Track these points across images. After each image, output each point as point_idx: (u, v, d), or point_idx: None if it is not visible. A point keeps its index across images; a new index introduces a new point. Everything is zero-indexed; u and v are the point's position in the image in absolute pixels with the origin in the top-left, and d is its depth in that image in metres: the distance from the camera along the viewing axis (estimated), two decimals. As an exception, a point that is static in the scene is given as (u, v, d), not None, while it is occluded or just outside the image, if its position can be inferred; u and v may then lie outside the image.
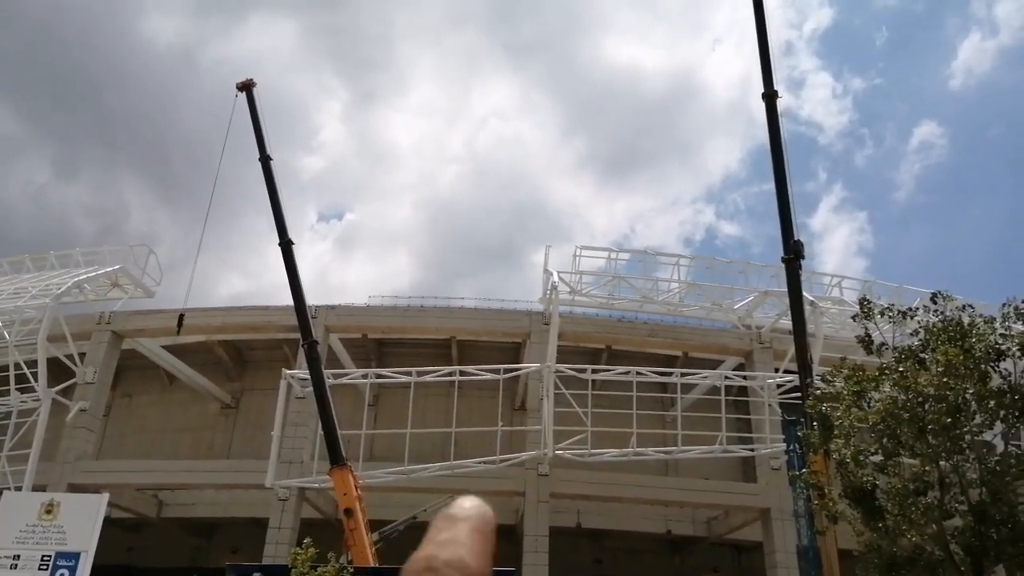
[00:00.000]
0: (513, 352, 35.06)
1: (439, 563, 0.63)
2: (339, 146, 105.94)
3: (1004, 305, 14.83)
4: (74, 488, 27.94)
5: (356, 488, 23.41)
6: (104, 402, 33.82)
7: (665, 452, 29.43)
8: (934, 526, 13.94)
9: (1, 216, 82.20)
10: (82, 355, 32.15)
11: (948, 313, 14.89)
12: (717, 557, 37.61)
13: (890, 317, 16.10)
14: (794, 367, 24.98)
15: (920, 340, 14.90)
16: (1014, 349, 13.86)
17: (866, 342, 15.99)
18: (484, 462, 27.62)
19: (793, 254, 23.66)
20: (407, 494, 29.86)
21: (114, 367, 33.97)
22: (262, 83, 28.70)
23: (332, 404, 24.95)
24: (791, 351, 26.13)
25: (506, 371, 28.62)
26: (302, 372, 27.09)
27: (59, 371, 31.01)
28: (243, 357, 39.21)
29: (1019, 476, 13.68)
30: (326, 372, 26.08)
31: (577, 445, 27.34)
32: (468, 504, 0.75)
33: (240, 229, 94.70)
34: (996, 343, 14.01)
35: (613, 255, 34.93)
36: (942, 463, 13.91)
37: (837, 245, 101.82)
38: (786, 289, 24.90)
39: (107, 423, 35.76)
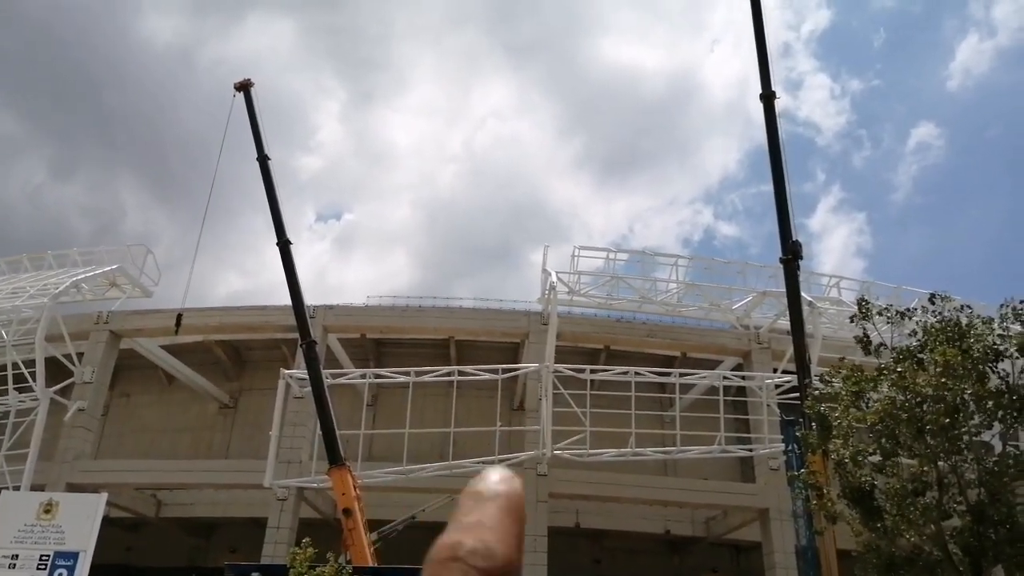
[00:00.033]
0: (511, 352, 35.06)
1: (464, 552, 0.58)
2: (337, 146, 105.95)
3: (1002, 306, 14.86)
4: (72, 488, 27.93)
5: (355, 488, 23.41)
6: (102, 402, 33.80)
7: (664, 452, 29.45)
8: (932, 526, 13.95)
9: (0, 216, 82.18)
10: (80, 355, 32.14)
11: (946, 314, 14.91)
12: (716, 557, 37.63)
13: (888, 318, 16.12)
14: (792, 367, 25.00)
15: (918, 341, 14.91)
16: (1012, 350, 13.89)
17: (864, 342, 16.02)
18: (483, 462, 27.59)
19: (791, 254, 23.67)
20: (406, 494, 29.87)
21: (112, 367, 33.96)
22: (260, 83, 28.71)
23: (331, 404, 24.94)
24: (789, 351, 26.15)
25: (504, 371, 28.63)
26: (300, 372, 27.08)
27: (57, 371, 31.00)
28: (241, 357, 39.21)
29: (1017, 476, 13.70)
30: (324, 372, 26.08)
31: (576, 445, 27.35)
32: (497, 478, 0.69)
33: (238, 229, 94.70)
34: (994, 344, 14.04)
35: (611, 255, 34.97)
36: (940, 463, 13.93)
37: (835, 246, 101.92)
38: (784, 289, 24.92)
39: (105, 423, 35.74)
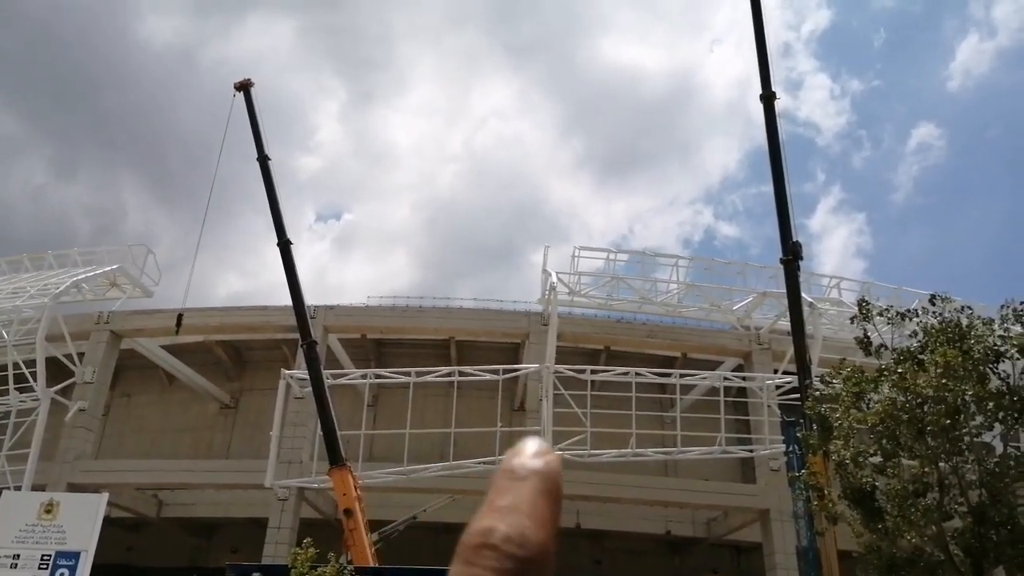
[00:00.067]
0: (512, 353, 35.06)
1: (497, 539, 0.56)
2: (337, 146, 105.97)
3: (1003, 307, 14.84)
4: (73, 488, 27.94)
5: (355, 488, 23.42)
6: (103, 402, 33.82)
7: (664, 453, 29.44)
8: (933, 527, 13.95)
9: (1, 216, 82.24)
10: (81, 355, 32.15)
11: (947, 314, 14.90)
12: (716, 558, 37.63)
13: (889, 318, 16.12)
14: (793, 368, 24.99)
15: (919, 341, 14.90)
16: (1013, 351, 13.88)
17: (865, 343, 16.02)
18: (483, 463, 27.59)
19: (792, 255, 23.67)
20: (406, 494, 29.88)
21: (113, 367, 33.98)
22: (260, 83, 28.73)
23: (331, 404, 24.96)
24: (790, 352, 26.14)
25: (505, 372, 28.63)
26: (301, 372, 27.09)
27: (58, 371, 31.02)
28: (242, 357, 39.22)
29: (1018, 478, 13.69)
30: (325, 372, 26.10)
31: (576, 446, 27.34)
32: (532, 453, 0.64)
33: (238, 229, 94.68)
34: (995, 344, 14.02)
35: (612, 256, 34.97)
36: (941, 464, 13.92)
37: (835, 246, 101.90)
38: (785, 290, 24.91)
39: (106, 423, 35.76)
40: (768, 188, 24.66)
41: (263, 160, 27.13)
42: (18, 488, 26.46)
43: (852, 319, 17.07)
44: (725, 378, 30.20)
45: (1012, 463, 13.70)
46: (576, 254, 33.33)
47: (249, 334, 36.23)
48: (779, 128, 24.70)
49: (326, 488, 26.14)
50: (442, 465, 27.24)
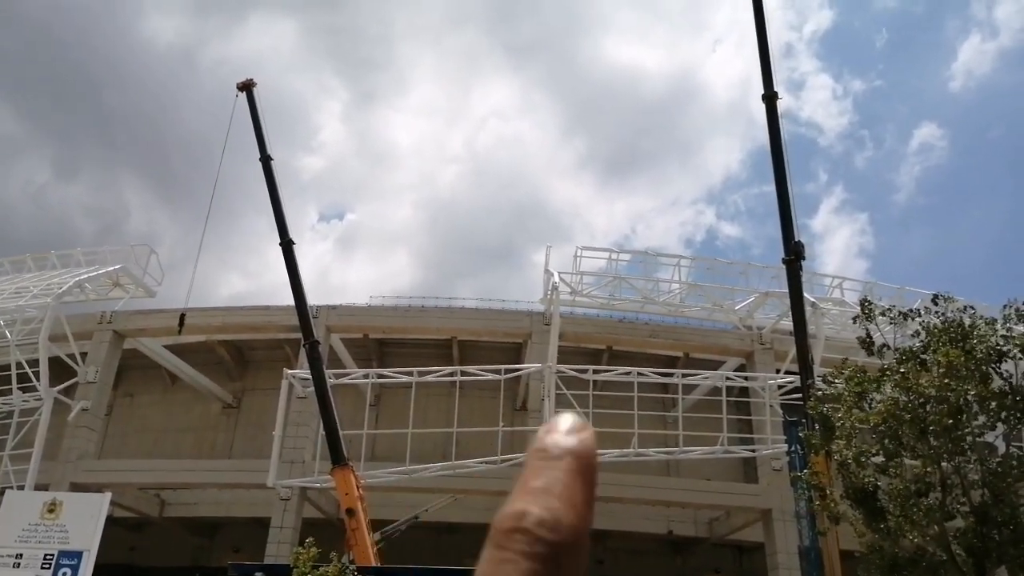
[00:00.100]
0: (514, 352, 35.08)
1: (530, 523, 0.53)
2: (339, 146, 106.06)
3: (1005, 306, 14.84)
4: (76, 487, 27.99)
5: (358, 488, 23.44)
6: (106, 401, 33.88)
7: (666, 453, 29.44)
8: (936, 527, 13.94)
9: (1, 216, 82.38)
10: (84, 355, 32.21)
11: (949, 314, 14.89)
12: (719, 558, 37.61)
13: (891, 318, 16.11)
14: (795, 368, 24.98)
15: (921, 341, 14.89)
16: (1015, 350, 13.86)
17: (867, 343, 16.00)
18: (485, 462, 27.62)
19: (794, 255, 23.66)
20: (408, 494, 29.89)
21: (116, 367, 34.02)
22: (262, 83, 28.78)
23: (333, 404, 24.98)
24: (792, 352, 26.13)
25: (507, 371, 28.64)
26: (303, 372, 27.12)
27: (61, 371, 31.06)
28: (244, 357, 39.25)
29: (1021, 477, 13.68)
30: (327, 372, 26.11)
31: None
32: (566, 429, 0.61)
33: (240, 229, 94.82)
34: (997, 344, 14.01)
35: (614, 256, 35.00)
36: (944, 464, 13.91)
37: (838, 246, 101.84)
38: (787, 290, 24.91)
39: (109, 422, 35.81)
40: (770, 188, 24.67)
41: (265, 160, 27.16)
42: (21, 488, 26.51)
43: (854, 319, 17.06)
44: (727, 378, 30.19)
45: (1014, 463, 13.69)
46: (578, 254, 33.37)
47: (251, 334, 36.27)
48: (781, 128, 24.71)
49: (328, 488, 26.16)
50: (444, 465, 27.25)
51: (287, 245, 26.37)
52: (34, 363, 29.37)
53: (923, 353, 14.53)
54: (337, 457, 23.88)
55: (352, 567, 20.46)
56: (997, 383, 13.92)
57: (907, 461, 14.58)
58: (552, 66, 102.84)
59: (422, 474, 27.06)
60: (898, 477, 14.45)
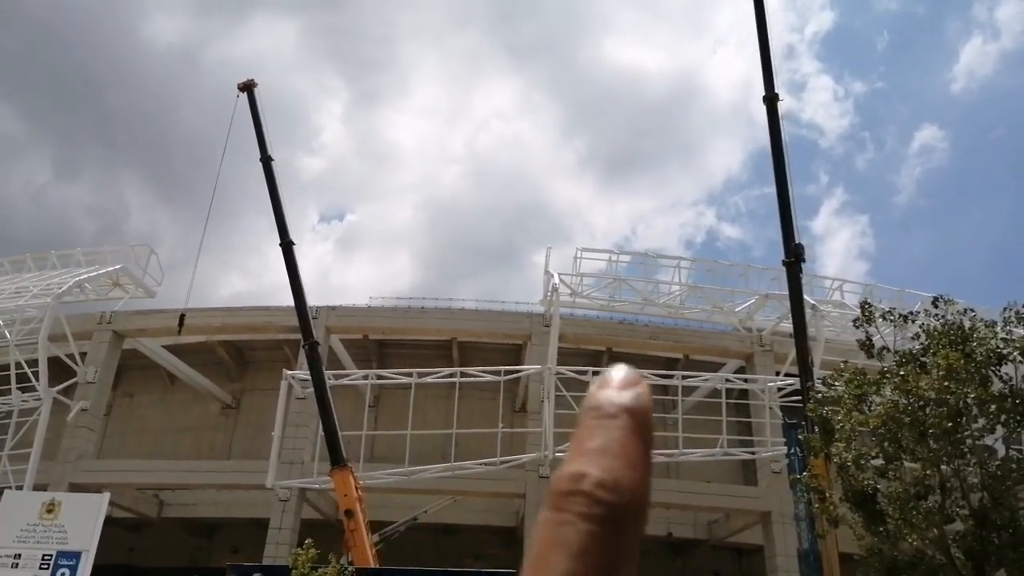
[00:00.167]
0: (514, 354, 35.06)
1: (589, 484, 0.52)
2: (340, 147, 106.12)
3: (1005, 309, 14.84)
4: (75, 487, 27.96)
5: (357, 489, 23.41)
6: (105, 402, 33.86)
7: (666, 455, 29.39)
8: (935, 530, 13.92)
9: (2, 215, 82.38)
10: (83, 355, 32.19)
11: (949, 317, 14.88)
12: (718, 560, 37.58)
13: (891, 321, 16.09)
14: (795, 370, 24.96)
15: (921, 344, 14.88)
16: (1015, 353, 13.85)
17: (867, 346, 15.99)
18: (485, 464, 27.61)
19: (794, 257, 23.64)
20: (407, 495, 29.86)
21: (115, 367, 34.00)
22: (263, 83, 28.77)
23: (333, 405, 24.95)
24: (792, 354, 26.12)
25: (507, 373, 28.62)
26: (303, 373, 27.10)
27: (60, 371, 31.05)
28: (244, 357, 39.24)
29: (1020, 480, 13.66)
30: (327, 373, 26.09)
31: (578, 447, 27.30)
32: (619, 383, 0.58)
33: (241, 229, 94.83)
34: (997, 347, 14.00)
35: (614, 257, 34.99)
36: (943, 467, 13.90)
37: (838, 248, 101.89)
38: (787, 292, 24.89)
39: (108, 423, 35.78)
40: (771, 190, 24.67)
41: (266, 161, 27.15)
42: (20, 488, 26.49)
43: (854, 321, 17.05)
44: (727, 380, 30.17)
45: (1014, 466, 13.67)
46: (578, 255, 33.36)
47: (251, 334, 36.25)
48: (782, 130, 24.69)
49: (327, 489, 26.13)
50: (443, 466, 27.23)
51: (287, 246, 26.36)
52: (33, 363, 29.36)
53: (923, 356, 14.52)
54: (336, 458, 23.86)
55: (351, 568, 20.44)
56: (997, 386, 13.90)
57: (907, 464, 14.57)
58: (553, 67, 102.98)
59: (421, 475, 27.04)
60: (898, 480, 14.44)
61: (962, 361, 13.57)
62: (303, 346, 26.30)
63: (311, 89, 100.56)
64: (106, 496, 21.90)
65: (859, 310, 16.82)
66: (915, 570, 14.42)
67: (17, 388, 29.47)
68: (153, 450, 37.46)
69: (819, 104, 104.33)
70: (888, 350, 15.58)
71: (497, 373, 28.32)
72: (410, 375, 27.94)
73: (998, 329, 14.44)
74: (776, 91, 24.84)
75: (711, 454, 28.27)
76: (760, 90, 25.09)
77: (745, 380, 30.68)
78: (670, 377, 29.91)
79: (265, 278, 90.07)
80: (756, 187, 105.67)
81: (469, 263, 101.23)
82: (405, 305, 36.85)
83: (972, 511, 13.65)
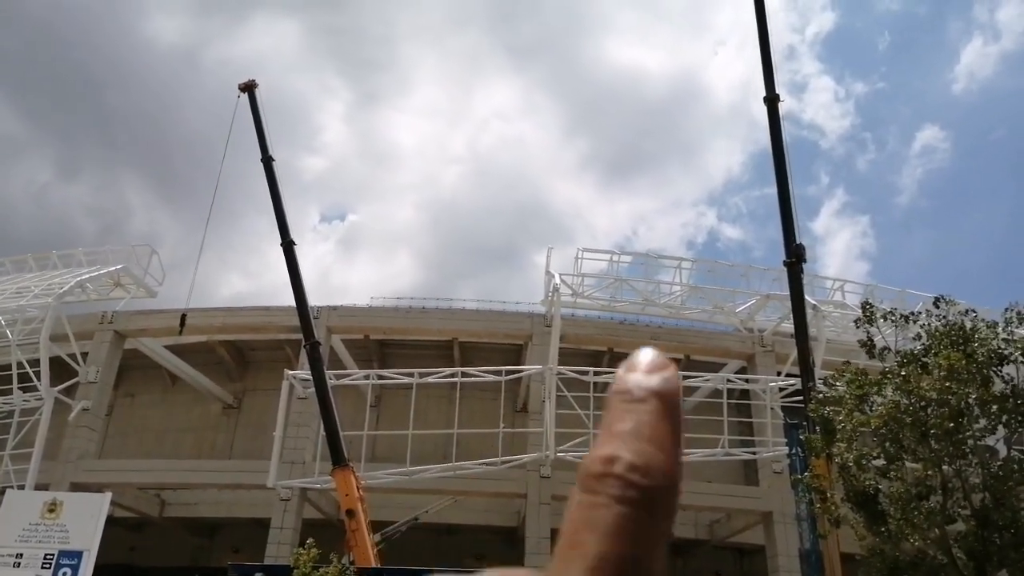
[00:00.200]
0: (515, 354, 35.07)
1: (621, 467, 0.52)
2: (341, 147, 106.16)
3: (1007, 309, 14.83)
4: (76, 487, 27.99)
5: (358, 489, 23.42)
6: (106, 401, 33.89)
7: (667, 455, 29.39)
8: (937, 530, 13.91)
9: (3, 215, 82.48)
10: (84, 354, 32.22)
11: (950, 317, 14.87)
12: (719, 560, 37.57)
13: (892, 321, 16.08)
14: (796, 370, 24.96)
15: (922, 344, 14.87)
16: (1017, 354, 13.85)
17: (868, 346, 15.97)
18: (486, 464, 27.61)
19: (795, 257, 23.63)
20: (409, 495, 29.87)
21: (116, 367, 34.03)
22: (264, 83, 28.79)
23: (334, 405, 24.96)
24: (793, 354, 26.12)
25: (508, 373, 28.63)
26: (304, 373, 27.11)
27: (61, 370, 31.08)
28: (245, 357, 39.26)
29: (1022, 481, 13.65)
30: (328, 373, 26.11)
31: (579, 447, 27.32)
32: (647, 366, 0.58)
33: (242, 229, 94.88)
34: (999, 347, 13.99)
35: (615, 257, 35.01)
36: (945, 467, 13.89)
37: (839, 249, 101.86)
38: (788, 292, 24.88)
39: (109, 422, 35.81)
40: (771, 190, 24.68)
41: (267, 161, 27.17)
42: (21, 487, 26.51)
43: (856, 321, 17.05)
44: (728, 380, 30.17)
45: (1015, 466, 13.66)
46: (579, 255, 33.36)
47: (252, 334, 36.27)
48: (783, 130, 24.69)
49: (328, 489, 26.14)
50: (444, 466, 27.24)
51: (288, 246, 26.37)
52: (35, 363, 29.39)
53: (924, 356, 14.51)
54: (337, 458, 23.87)
55: (352, 568, 20.45)
56: (998, 386, 13.90)
57: (908, 464, 14.56)
58: (554, 67, 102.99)
59: (422, 475, 27.05)
60: (899, 480, 14.43)
61: (963, 361, 13.56)
62: (304, 346, 26.31)
63: (312, 89, 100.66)
64: (107, 496, 21.93)
65: (860, 310, 16.81)
66: (917, 570, 14.41)
67: (19, 388, 29.51)
68: (154, 450, 37.48)
69: (820, 105, 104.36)
70: (889, 350, 15.57)
71: (498, 373, 28.33)
72: (411, 375, 27.95)
73: (999, 329, 14.43)
74: (777, 92, 24.85)
75: (712, 454, 28.26)
76: (761, 91, 25.11)
77: (746, 380, 30.68)
78: (671, 377, 29.85)
79: (266, 278, 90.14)
80: (757, 187, 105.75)
81: (470, 263, 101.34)
82: (406, 305, 36.86)
83: (974, 511, 13.64)
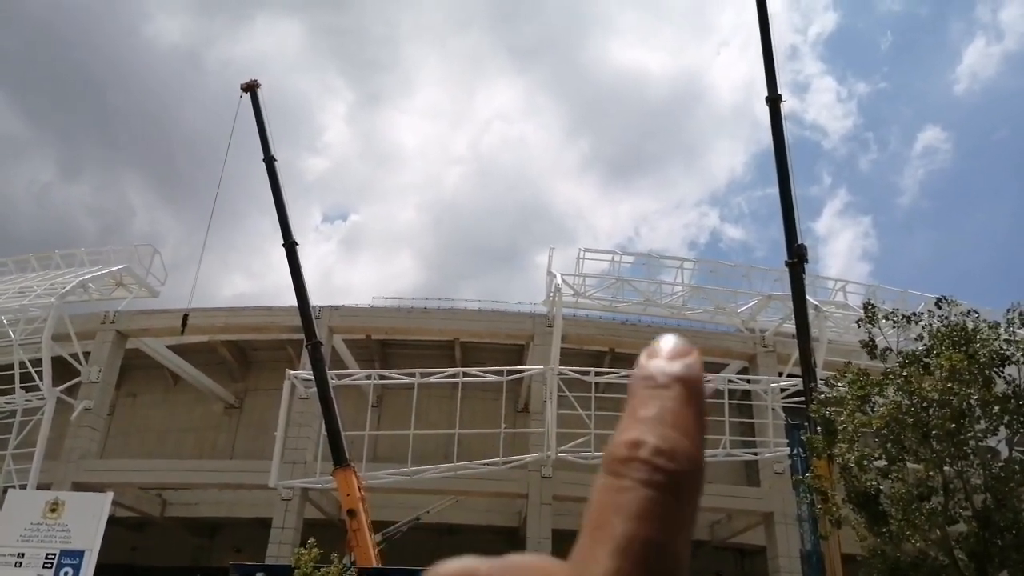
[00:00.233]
0: (516, 354, 35.07)
1: (647, 452, 0.52)
2: (344, 147, 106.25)
3: (1009, 310, 14.81)
4: (78, 487, 28.02)
5: (359, 489, 23.43)
6: (108, 401, 33.93)
7: (668, 455, 29.40)
8: (938, 531, 13.90)
9: (5, 215, 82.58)
10: (86, 354, 32.26)
11: (952, 318, 14.86)
12: (720, 561, 37.54)
13: (894, 321, 16.07)
14: (798, 371, 24.94)
15: (924, 345, 14.86)
16: (1018, 354, 13.84)
17: (870, 346, 15.96)
18: (487, 464, 27.62)
19: (797, 258, 23.61)
20: (410, 495, 29.88)
21: (118, 366, 34.07)
22: (266, 83, 28.78)
23: (336, 405, 24.98)
24: (795, 355, 26.09)
25: (509, 373, 28.63)
26: (306, 373, 27.13)
27: (63, 370, 31.11)
28: (247, 357, 39.29)
29: (1023, 482, 13.64)
30: (330, 373, 26.12)
31: (580, 448, 27.33)
32: (670, 353, 0.58)
33: (244, 229, 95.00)
34: (1000, 348, 13.98)
35: (617, 258, 35.02)
36: (946, 468, 13.88)
37: (841, 249, 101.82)
38: (790, 293, 24.86)
39: (111, 422, 35.85)
40: (773, 191, 24.72)
41: (269, 161, 27.18)
42: (23, 487, 26.55)
43: (857, 322, 17.03)
44: (730, 381, 30.15)
45: (1017, 467, 13.65)
46: (581, 256, 33.36)
47: (254, 334, 36.30)
48: (785, 131, 24.68)
49: (330, 488, 26.16)
50: (446, 466, 27.25)
51: (290, 246, 26.38)
52: (37, 362, 29.42)
53: (926, 357, 14.49)
54: (339, 458, 23.88)
55: (353, 568, 20.46)
56: (1000, 387, 13.88)
57: (909, 465, 14.54)
58: (556, 68, 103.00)
59: (424, 475, 27.06)
60: (900, 481, 14.41)
61: (965, 362, 13.55)
62: (306, 346, 26.33)
63: (314, 89, 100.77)
64: (109, 495, 21.95)
65: (862, 311, 16.79)
66: (918, 571, 14.40)
67: (21, 387, 29.55)
68: (156, 450, 37.52)
69: (822, 105, 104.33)
70: (891, 351, 15.56)
71: (500, 373, 28.34)
72: (413, 375, 27.96)
73: (1001, 330, 14.41)
74: (779, 92, 24.84)
75: (714, 455, 28.24)
76: (763, 91, 25.11)
77: (748, 381, 30.67)
78: (673, 378, 29.85)
79: (268, 278, 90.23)
80: (759, 188, 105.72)
81: (472, 264, 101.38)
82: (408, 305, 36.87)
83: (975, 512, 13.63)
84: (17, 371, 29.34)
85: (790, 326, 27.33)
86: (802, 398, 23.69)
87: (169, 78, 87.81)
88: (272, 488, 27.26)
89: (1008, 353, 13.91)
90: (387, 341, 37.02)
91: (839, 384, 16.23)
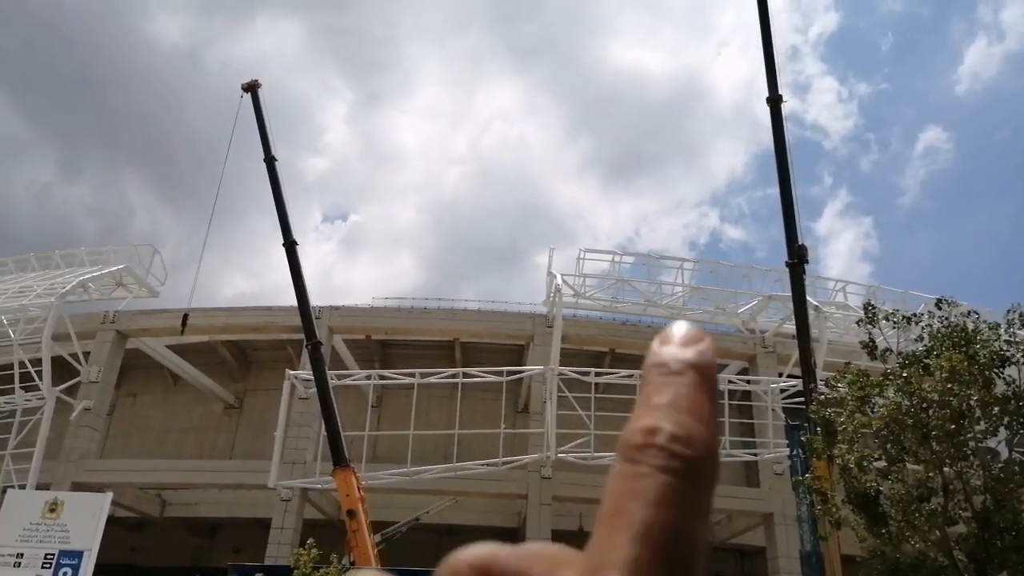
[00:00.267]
0: (516, 354, 35.06)
1: (662, 438, 0.52)
2: (344, 147, 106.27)
3: (1009, 311, 14.79)
4: (78, 487, 28.00)
5: (359, 489, 23.41)
6: (108, 401, 33.91)
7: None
8: (938, 532, 13.89)
9: (5, 215, 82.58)
10: (86, 354, 32.25)
11: (953, 319, 14.85)
12: (720, 562, 37.54)
13: (894, 322, 16.06)
14: (798, 372, 24.92)
15: (924, 346, 14.85)
16: (1019, 355, 13.83)
17: (870, 347, 15.95)
18: (487, 464, 27.61)
19: (797, 258, 23.59)
20: (410, 496, 29.87)
21: (118, 366, 34.06)
22: (267, 83, 28.74)
23: (335, 405, 24.96)
24: (795, 356, 26.07)
25: (509, 373, 28.62)
26: (306, 373, 27.11)
27: (63, 370, 31.11)
28: (247, 357, 39.28)
29: (1023, 483, 13.63)
30: (330, 373, 26.10)
31: (580, 448, 27.32)
32: (682, 339, 0.58)
33: (244, 230, 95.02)
34: (1001, 349, 13.97)
35: (617, 258, 34.99)
36: (946, 469, 13.87)
37: (842, 250, 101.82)
38: (790, 293, 24.84)
39: (111, 422, 35.84)
40: (774, 191, 24.74)
41: (269, 161, 27.16)
42: (22, 487, 26.53)
43: (858, 323, 17.02)
44: (730, 381, 30.14)
45: (1017, 468, 13.64)
46: (581, 256, 33.35)
47: (254, 334, 36.29)
48: (786, 131, 24.65)
49: (329, 489, 26.14)
50: (445, 467, 27.24)
51: (290, 246, 26.36)
52: (37, 362, 29.42)
53: (926, 358, 14.48)
54: (338, 458, 23.85)
55: (353, 569, 20.44)
56: (1000, 388, 13.87)
57: (909, 466, 14.54)
58: (556, 68, 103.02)
59: (423, 476, 27.05)
60: (900, 482, 14.40)
61: (965, 363, 13.54)
62: (306, 346, 26.30)
63: (315, 89, 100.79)
64: (108, 496, 21.96)
65: (862, 311, 16.78)
66: (917, 573, 14.39)
67: (20, 387, 29.54)
68: (155, 450, 37.51)
69: (823, 105, 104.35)
70: (891, 352, 15.55)
71: (500, 374, 28.32)
72: (413, 375, 27.95)
73: (1002, 331, 14.40)
74: (780, 92, 24.82)
75: (713, 455, 28.22)
76: (763, 91, 25.09)
77: (748, 381, 30.66)
78: (673, 378, 29.84)
79: (268, 278, 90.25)
80: (759, 188, 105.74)
81: (472, 264, 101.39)
82: (408, 305, 36.87)
83: (975, 514, 13.62)
84: (17, 371, 29.33)
85: (790, 327, 27.32)
86: (802, 399, 23.66)
87: (169, 78, 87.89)
88: (272, 488, 27.25)
89: (1008, 354, 13.90)
90: (387, 341, 37.01)
91: (839, 385, 16.21)
